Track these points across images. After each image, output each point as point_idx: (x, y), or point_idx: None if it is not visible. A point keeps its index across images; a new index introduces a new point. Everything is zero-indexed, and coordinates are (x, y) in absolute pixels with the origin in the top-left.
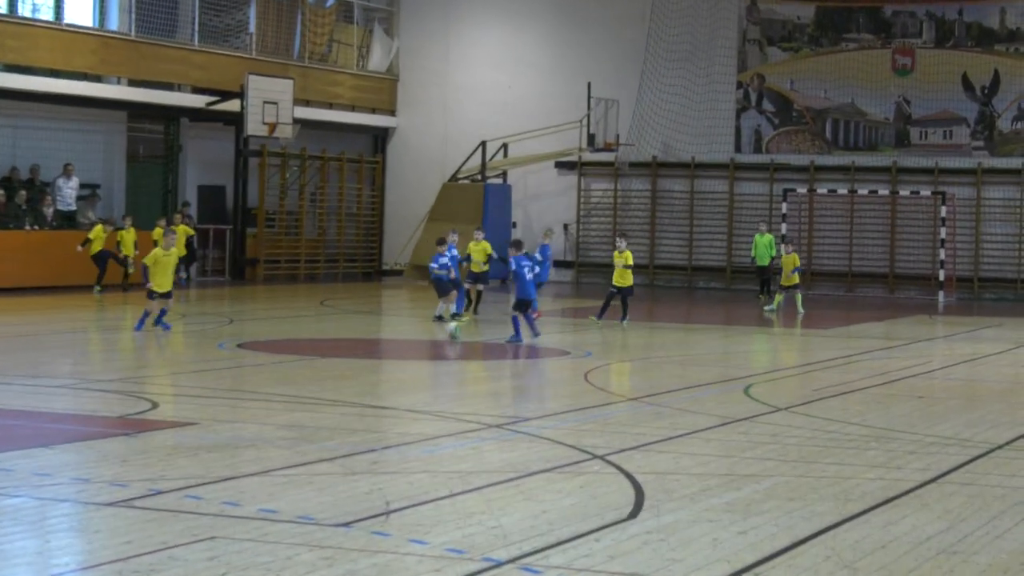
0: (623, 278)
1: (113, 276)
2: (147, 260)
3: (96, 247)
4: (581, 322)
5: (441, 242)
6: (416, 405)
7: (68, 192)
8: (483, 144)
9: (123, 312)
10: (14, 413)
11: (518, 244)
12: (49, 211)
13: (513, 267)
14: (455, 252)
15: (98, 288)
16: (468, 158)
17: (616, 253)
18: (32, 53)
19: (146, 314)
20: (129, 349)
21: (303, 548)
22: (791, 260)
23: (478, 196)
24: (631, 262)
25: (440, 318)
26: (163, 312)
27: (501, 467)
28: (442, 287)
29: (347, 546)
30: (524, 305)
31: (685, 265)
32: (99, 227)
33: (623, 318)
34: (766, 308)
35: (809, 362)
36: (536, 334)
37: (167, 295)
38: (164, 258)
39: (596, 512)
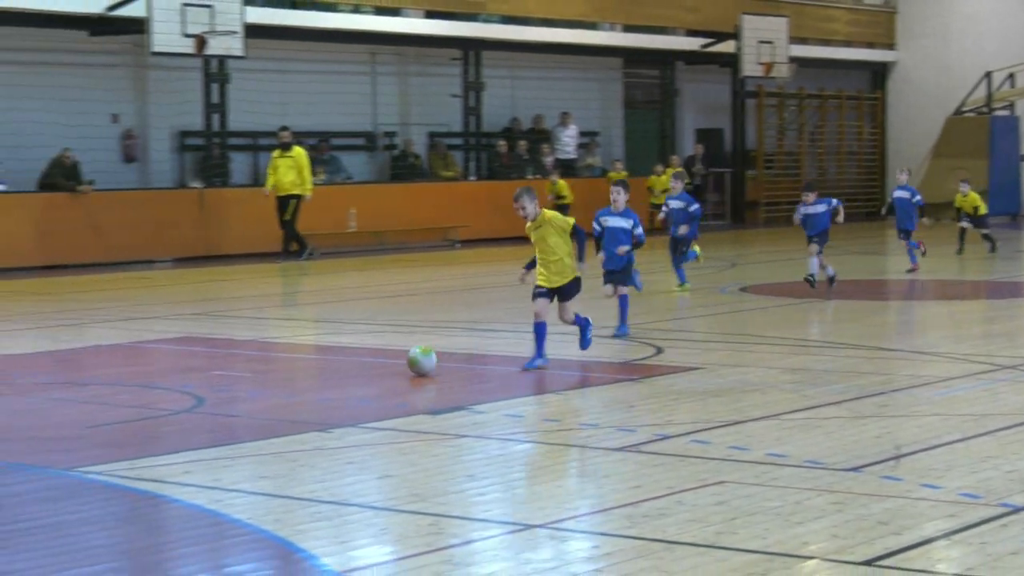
0: None
1: None
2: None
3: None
4: None
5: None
6: (924, 347)
7: (567, 140)
8: (988, 75)
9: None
10: (520, 359)
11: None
12: (549, 160)
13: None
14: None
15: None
16: (972, 90)
17: None
18: (527, 4)
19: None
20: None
21: (812, 493)
22: None
23: (984, 130)
24: None
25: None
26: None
27: (1018, 409)
28: None
29: (856, 491)
30: None
31: None
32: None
33: None
34: None
35: None
36: None
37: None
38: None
39: None
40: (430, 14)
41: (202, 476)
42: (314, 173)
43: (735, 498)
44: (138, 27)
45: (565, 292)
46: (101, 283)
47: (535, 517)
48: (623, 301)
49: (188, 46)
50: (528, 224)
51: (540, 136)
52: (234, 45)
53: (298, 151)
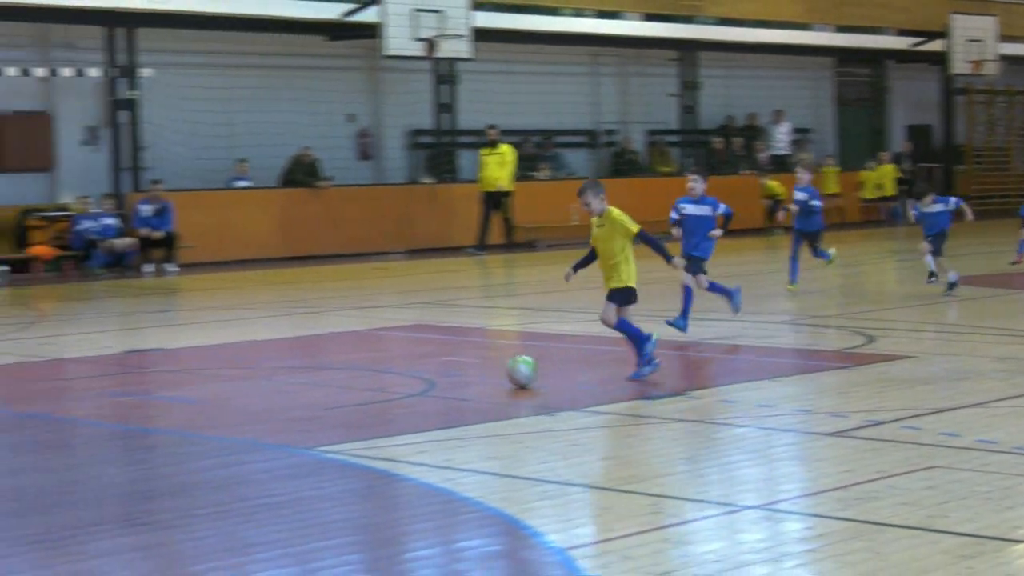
0: None
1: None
2: None
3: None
4: None
5: None
6: None
7: (780, 137)
8: None
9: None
10: (739, 348)
11: None
12: (762, 156)
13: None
14: None
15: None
16: None
17: None
18: (742, 6)
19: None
20: (842, 287)
21: (1022, 479)
22: None
23: None
24: None
25: None
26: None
27: None
28: None
29: None
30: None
31: None
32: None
33: None
34: None
35: None
36: None
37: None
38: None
39: None
40: (649, 17)
41: (434, 456)
42: (538, 169)
43: (946, 482)
44: (372, 32)
45: (616, 297)
46: (338, 273)
47: (750, 498)
48: (688, 293)
49: (419, 49)
50: (594, 220)
51: (754, 133)
52: (462, 48)
53: (505, 148)
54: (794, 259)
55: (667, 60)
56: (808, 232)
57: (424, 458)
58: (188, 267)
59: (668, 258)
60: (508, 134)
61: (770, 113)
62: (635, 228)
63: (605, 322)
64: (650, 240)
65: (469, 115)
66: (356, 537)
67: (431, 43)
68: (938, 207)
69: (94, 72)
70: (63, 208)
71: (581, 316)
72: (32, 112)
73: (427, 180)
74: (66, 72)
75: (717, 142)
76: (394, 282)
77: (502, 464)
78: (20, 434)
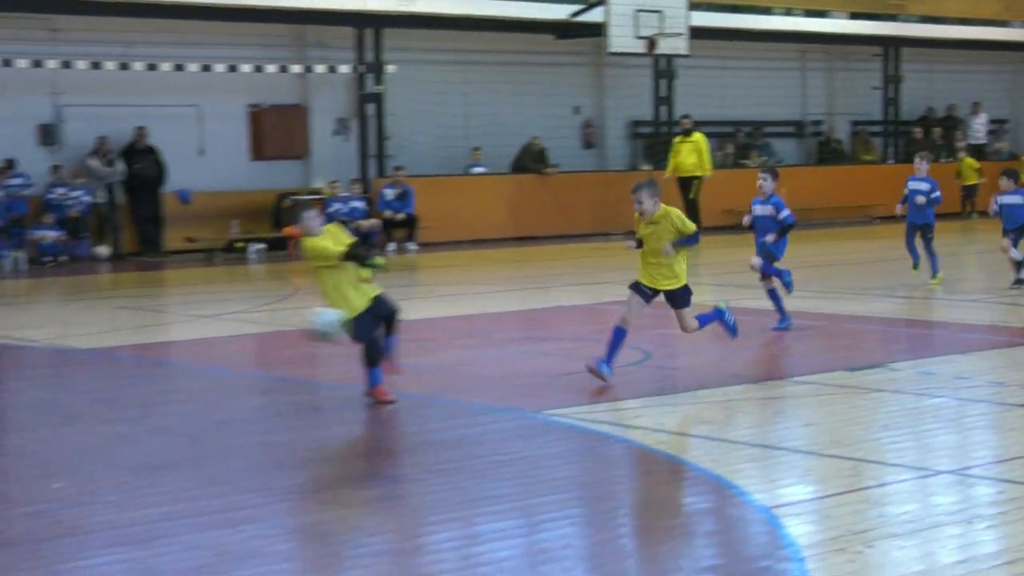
0: None
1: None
2: None
3: (969, 179)
4: None
5: None
6: None
7: (978, 127)
8: None
9: None
10: (935, 324)
11: None
12: (961, 145)
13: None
14: None
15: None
16: None
17: None
18: (945, 5)
19: None
20: None
21: None
22: None
23: None
24: None
25: None
26: None
27: None
28: None
29: None
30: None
31: None
32: (967, 160)
33: None
34: None
35: None
36: None
37: None
38: None
39: None
40: (854, 15)
41: (649, 420)
42: (749, 157)
43: None
44: (597, 31)
45: (677, 299)
46: (564, 253)
47: (944, 464)
48: (772, 294)
49: (640, 47)
50: (642, 221)
51: (953, 123)
52: (680, 45)
53: (698, 136)
54: (912, 248)
55: (871, 56)
56: (920, 225)
57: (640, 422)
58: (426, 246)
59: (676, 244)
60: (721, 125)
61: (968, 105)
62: (693, 228)
63: (688, 330)
64: (692, 240)
65: (685, 107)
66: (577, 493)
67: (651, 41)
68: (1017, 198)
69: (344, 69)
70: (316, 192)
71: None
72: (289, 105)
73: (646, 167)
74: (319, 69)
75: (917, 132)
76: (615, 261)
77: (711, 428)
78: (275, 396)
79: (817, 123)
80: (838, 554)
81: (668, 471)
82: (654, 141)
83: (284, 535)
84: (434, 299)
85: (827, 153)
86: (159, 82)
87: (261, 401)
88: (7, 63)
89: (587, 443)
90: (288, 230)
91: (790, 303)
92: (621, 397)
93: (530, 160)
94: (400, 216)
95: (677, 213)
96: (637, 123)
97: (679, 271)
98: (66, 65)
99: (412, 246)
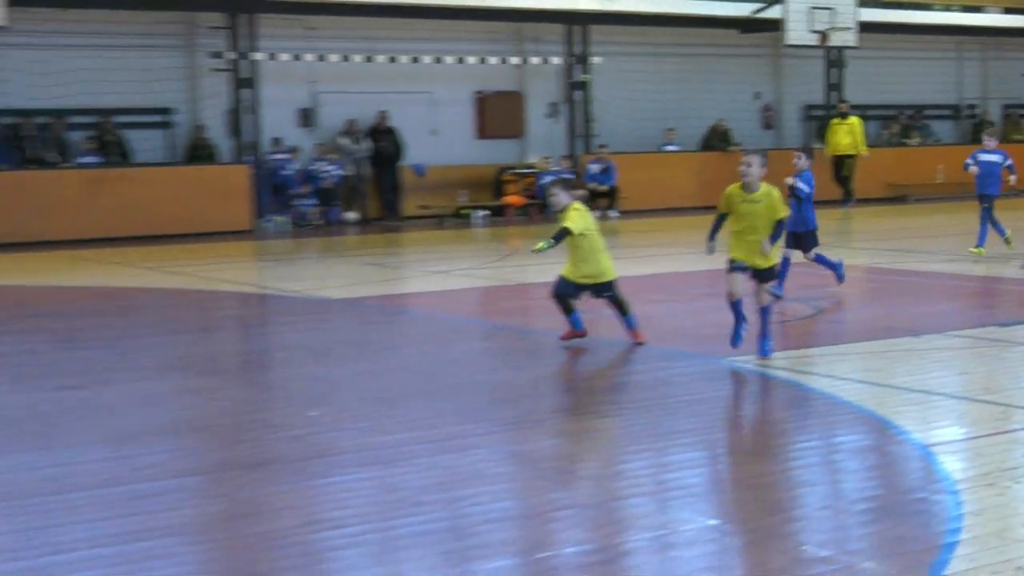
0: None
1: None
2: None
3: None
4: None
5: None
6: None
7: None
8: None
9: None
10: None
11: None
12: None
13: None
14: None
15: None
16: None
17: None
18: None
19: None
20: None
21: None
22: None
23: None
24: None
25: None
26: None
27: None
28: None
29: None
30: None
31: None
32: None
33: None
34: None
35: None
36: None
37: None
38: None
39: None
40: (1008, 10)
41: (820, 367)
42: (910, 137)
43: None
44: (775, 26)
45: (764, 275)
46: None
47: None
48: (820, 259)
49: (813, 39)
50: (743, 192)
51: None
52: (849, 38)
53: (853, 120)
54: (986, 224)
55: (1022, 46)
56: (987, 195)
57: (812, 368)
58: (626, 213)
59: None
60: (885, 108)
61: None
62: (784, 213)
63: (763, 303)
64: (780, 233)
65: (852, 93)
66: (755, 430)
67: (824, 34)
68: None
69: (556, 60)
70: (530, 167)
71: (944, 256)
72: (508, 92)
73: (817, 146)
74: (534, 60)
75: None
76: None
77: (875, 375)
78: (494, 341)
79: (972, 107)
80: (988, 488)
81: (835, 412)
82: (825, 123)
83: (504, 459)
84: (634, 260)
85: (980, 133)
86: (398, 72)
87: (485, 345)
88: (272, 57)
89: (763, 386)
90: (509, 199)
91: (942, 267)
92: (795, 347)
93: (716, 139)
94: (603, 188)
95: (777, 195)
96: (810, 107)
97: (773, 253)
98: (321, 58)
99: (614, 214)
